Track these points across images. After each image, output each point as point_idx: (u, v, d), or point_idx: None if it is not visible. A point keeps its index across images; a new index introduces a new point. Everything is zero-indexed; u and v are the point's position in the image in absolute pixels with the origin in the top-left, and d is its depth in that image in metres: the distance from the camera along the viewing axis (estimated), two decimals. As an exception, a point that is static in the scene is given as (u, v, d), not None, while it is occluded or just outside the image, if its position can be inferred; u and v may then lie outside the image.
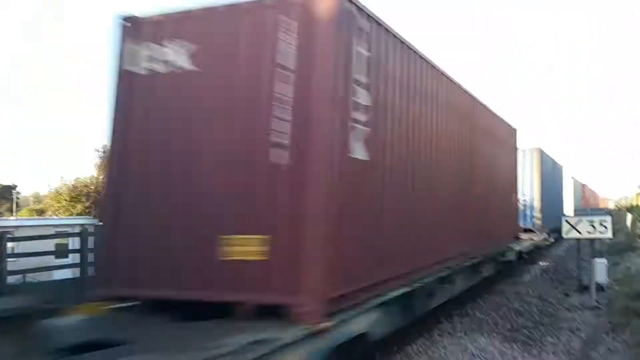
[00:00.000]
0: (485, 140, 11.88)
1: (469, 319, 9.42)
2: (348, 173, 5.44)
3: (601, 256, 13.46)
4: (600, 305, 10.62)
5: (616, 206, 68.06)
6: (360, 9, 5.72)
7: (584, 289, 12.18)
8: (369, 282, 5.82)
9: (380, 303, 5.99)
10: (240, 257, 4.93)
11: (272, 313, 4.66)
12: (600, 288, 11.56)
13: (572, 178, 30.36)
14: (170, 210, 5.42)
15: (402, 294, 6.63)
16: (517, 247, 14.49)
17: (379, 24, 6.20)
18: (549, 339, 8.52)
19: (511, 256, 13.88)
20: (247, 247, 4.94)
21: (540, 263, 17.21)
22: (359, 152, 5.65)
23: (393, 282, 6.49)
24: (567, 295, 12.17)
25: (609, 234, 11.88)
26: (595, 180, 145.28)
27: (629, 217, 26.18)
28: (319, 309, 4.70)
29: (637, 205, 37.99)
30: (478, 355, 7.29)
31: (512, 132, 14.79)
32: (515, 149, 15.33)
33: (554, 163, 23.07)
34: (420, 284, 7.29)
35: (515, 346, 7.92)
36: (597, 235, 11.82)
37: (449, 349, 7.55)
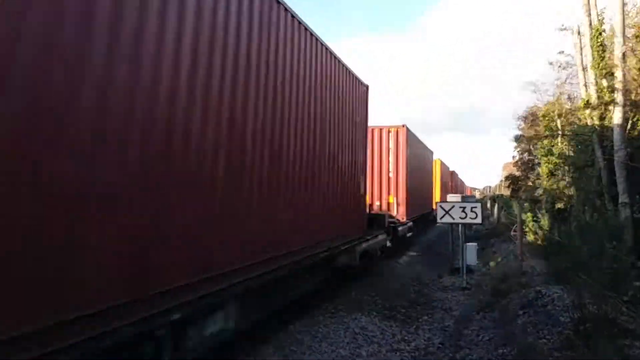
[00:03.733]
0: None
1: (350, 300, 9.57)
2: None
3: (471, 241, 14.39)
4: (470, 287, 11.33)
5: (481, 195, 73.85)
6: None
7: (455, 270, 12.94)
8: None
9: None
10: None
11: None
12: (470, 270, 12.34)
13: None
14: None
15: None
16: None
17: None
18: (425, 317, 8.92)
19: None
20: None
21: (410, 253, 16.88)
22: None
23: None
24: (440, 277, 12.85)
25: (479, 220, 12.67)
26: (462, 170, 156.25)
27: (496, 206, 28.35)
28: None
29: (501, 195, 41.28)
30: (360, 333, 7.41)
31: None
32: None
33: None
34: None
35: (394, 324, 8.19)
36: (468, 220, 12.57)
37: (331, 327, 7.60)
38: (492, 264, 13.39)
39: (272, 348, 6.58)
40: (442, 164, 31.02)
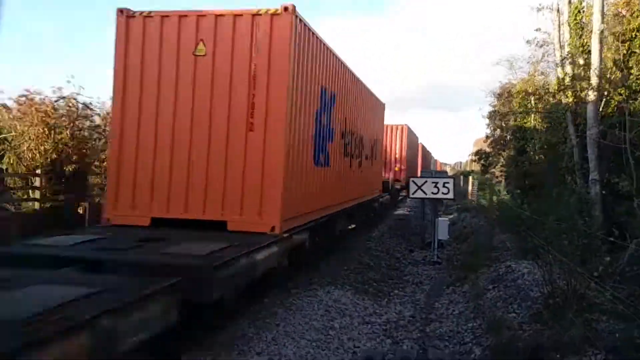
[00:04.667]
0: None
1: (323, 273, 9.59)
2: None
3: (443, 215, 14.51)
4: (441, 261, 11.45)
5: (452, 170, 74.69)
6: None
7: (426, 245, 13.06)
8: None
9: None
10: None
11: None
12: (441, 245, 12.46)
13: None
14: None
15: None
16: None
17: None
18: (396, 291, 8.99)
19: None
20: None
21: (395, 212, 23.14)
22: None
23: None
24: (411, 251, 12.97)
25: (451, 195, 12.75)
26: (434, 146, 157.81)
27: (470, 181, 28.70)
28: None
29: (472, 170, 41.75)
30: (332, 306, 7.42)
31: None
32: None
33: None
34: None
35: (366, 297, 8.23)
36: (440, 195, 12.64)
37: (305, 300, 7.60)
38: (462, 238, 13.54)
39: (247, 320, 6.55)
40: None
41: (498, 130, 31.55)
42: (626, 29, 11.41)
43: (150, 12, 7.41)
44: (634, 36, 11.25)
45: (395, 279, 9.87)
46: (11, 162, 13.83)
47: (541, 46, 18.17)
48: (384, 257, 11.61)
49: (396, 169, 23.96)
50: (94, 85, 40.57)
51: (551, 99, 16.67)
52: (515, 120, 21.67)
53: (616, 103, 11.10)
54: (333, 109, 9.89)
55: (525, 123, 20.31)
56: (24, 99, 13.91)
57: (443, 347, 6.16)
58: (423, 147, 40.34)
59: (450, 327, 6.79)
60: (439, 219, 12.70)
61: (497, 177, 28.37)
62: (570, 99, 12.80)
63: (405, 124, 25.27)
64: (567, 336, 5.20)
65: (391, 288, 9.17)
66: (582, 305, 5.76)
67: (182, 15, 7.28)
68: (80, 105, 14.71)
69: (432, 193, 12.56)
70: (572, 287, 5.99)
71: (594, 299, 5.95)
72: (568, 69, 13.17)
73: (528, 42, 17.11)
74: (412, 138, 27.47)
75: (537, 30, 21.09)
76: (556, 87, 13.94)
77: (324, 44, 8.94)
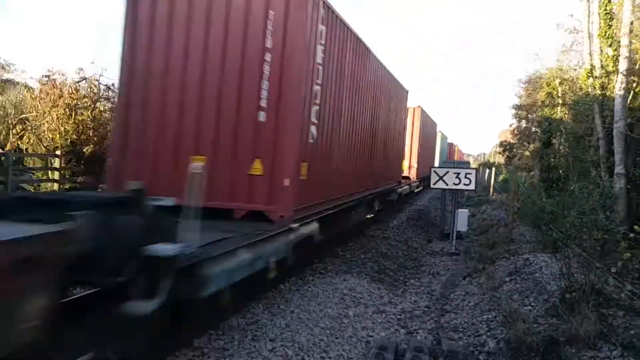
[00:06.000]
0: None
1: (340, 261, 9.62)
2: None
3: (463, 207, 14.39)
4: (459, 252, 11.38)
5: (476, 162, 73.94)
6: None
7: (444, 236, 12.98)
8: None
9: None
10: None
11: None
12: (459, 236, 12.38)
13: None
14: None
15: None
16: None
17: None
18: (412, 281, 8.97)
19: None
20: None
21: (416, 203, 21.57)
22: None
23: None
24: (429, 241, 12.91)
25: (472, 186, 12.64)
26: (458, 137, 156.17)
27: (487, 172, 28.39)
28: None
29: (494, 162, 41.27)
30: (348, 294, 7.45)
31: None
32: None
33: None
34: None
35: (381, 286, 8.23)
36: (461, 187, 12.54)
37: (320, 287, 7.64)
38: (481, 230, 13.42)
39: (262, 306, 6.62)
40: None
41: (523, 121, 31.10)
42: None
43: None
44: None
45: (412, 269, 9.85)
46: (31, 142, 14.06)
47: (570, 32, 17.78)
48: (401, 247, 11.58)
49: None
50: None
51: (579, 90, 16.36)
52: (541, 111, 21.32)
53: (645, 95, 10.84)
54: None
55: (551, 114, 19.97)
56: (46, 79, 14.12)
57: (457, 338, 6.13)
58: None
59: (465, 319, 6.76)
60: (459, 210, 12.60)
61: (520, 169, 28.00)
62: (598, 91, 12.53)
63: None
64: (582, 331, 5.14)
65: (407, 278, 9.15)
66: (599, 300, 5.68)
67: None
68: (102, 87, 14.88)
69: (454, 184, 12.46)
70: (590, 281, 5.91)
71: (611, 295, 5.86)
72: (596, 59, 12.88)
73: (558, 25, 16.70)
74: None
75: (570, 16, 20.61)
76: (585, 78, 13.66)
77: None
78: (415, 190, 21.52)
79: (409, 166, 19.69)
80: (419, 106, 20.38)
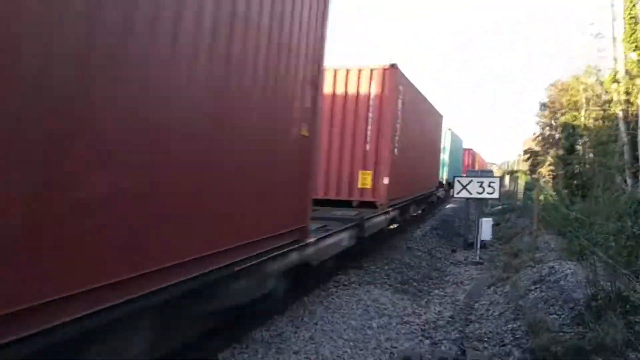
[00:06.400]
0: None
1: (363, 272, 9.63)
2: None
3: (487, 215, 14.29)
4: (483, 261, 11.30)
5: (499, 170, 73.17)
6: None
7: (468, 245, 12.90)
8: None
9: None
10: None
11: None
12: (483, 245, 12.29)
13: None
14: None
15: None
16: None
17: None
18: (436, 291, 8.94)
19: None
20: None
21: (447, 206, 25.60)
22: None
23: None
24: (454, 251, 12.83)
25: (496, 195, 12.57)
26: (481, 146, 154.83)
27: (518, 180, 28.10)
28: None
29: (517, 170, 40.84)
30: (371, 305, 7.45)
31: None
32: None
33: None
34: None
35: (405, 297, 8.22)
36: (485, 195, 12.48)
37: (344, 299, 7.66)
38: (505, 239, 13.28)
39: (285, 319, 6.67)
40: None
41: (547, 128, 30.77)
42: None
43: None
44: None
45: (436, 279, 9.81)
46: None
47: (595, 37, 17.61)
48: (424, 257, 11.54)
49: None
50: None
51: (603, 95, 16.18)
52: (564, 116, 21.10)
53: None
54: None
55: (574, 120, 19.75)
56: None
57: (482, 348, 6.09)
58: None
59: (489, 328, 6.71)
60: (483, 219, 12.53)
61: (544, 176, 27.66)
62: (623, 96, 12.41)
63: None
64: (609, 339, 5.08)
65: (431, 288, 9.12)
66: (626, 307, 5.61)
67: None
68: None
69: (477, 192, 12.41)
70: (616, 288, 5.84)
71: (638, 301, 5.78)
72: (620, 64, 12.76)
73: (585, 30, 16.55)
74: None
75: (591, 24, 20.41)
76: (609, 83, 13.53)
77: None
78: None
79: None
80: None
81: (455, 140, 29.14)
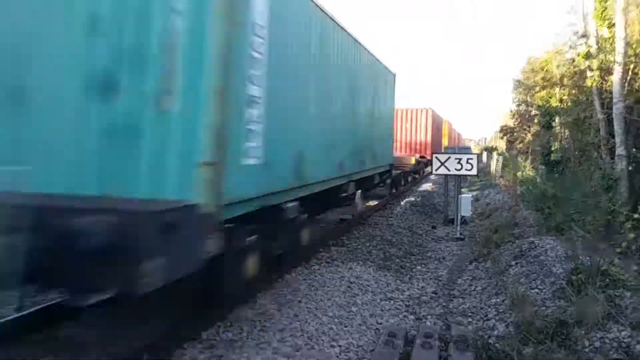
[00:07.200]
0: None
1: (345, 249, 9.67)
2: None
3: (466, 192, 14.42)
4: (464, 237, 11.43)
5: (477, 147, 73.87)
6: None
7: (449, 222, 13.03)
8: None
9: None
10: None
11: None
12: (464, 221, 12.41)
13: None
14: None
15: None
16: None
17: None
18: (419, 267, 9.03)
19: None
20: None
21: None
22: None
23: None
24: (434, 227, 12.96)
25: (474, 172, 12.66)
26: (457, 121, 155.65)
27: (494, 157, 28.41)
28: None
29: (496, 147, 41.24)
30: (355, 282, 7.48)
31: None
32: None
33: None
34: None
35: (388, 274, 8.28)
36: (463, 172, 12.53)
37: (327, 276, 7.67)
38: (485, 214, 13.46)
39: (269, 297, 6.66)
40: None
41: (523, 104, 30.99)
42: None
43: None
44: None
45: (418, 255, 9.90)
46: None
47: (568, 13, 17.66)
48: (406, 234, 11.62)
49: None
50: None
51: (577, 72, 16.33)
52: (540, 93, 21.27)
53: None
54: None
55: (550, 97, 19.94)
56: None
57: (466, 323, 6.19)
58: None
59: (473, 303, 6.82)
60: (462, 195, 12.64)
61: (521, 152, 27.97)
62: (596, 73, 12.52)
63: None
64: (590, 312, 5.19)
65: (413, 264, 9.21)
66: (606, 281, 5.73)
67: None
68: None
69: (456, 169, 12.44)
70: (596, 262, 5.95)
71: (617, 275, 5.91)
72: (592, 41, 12.86)
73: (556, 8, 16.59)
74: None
75: None
76: (582, 61, 13.64)
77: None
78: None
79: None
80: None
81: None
